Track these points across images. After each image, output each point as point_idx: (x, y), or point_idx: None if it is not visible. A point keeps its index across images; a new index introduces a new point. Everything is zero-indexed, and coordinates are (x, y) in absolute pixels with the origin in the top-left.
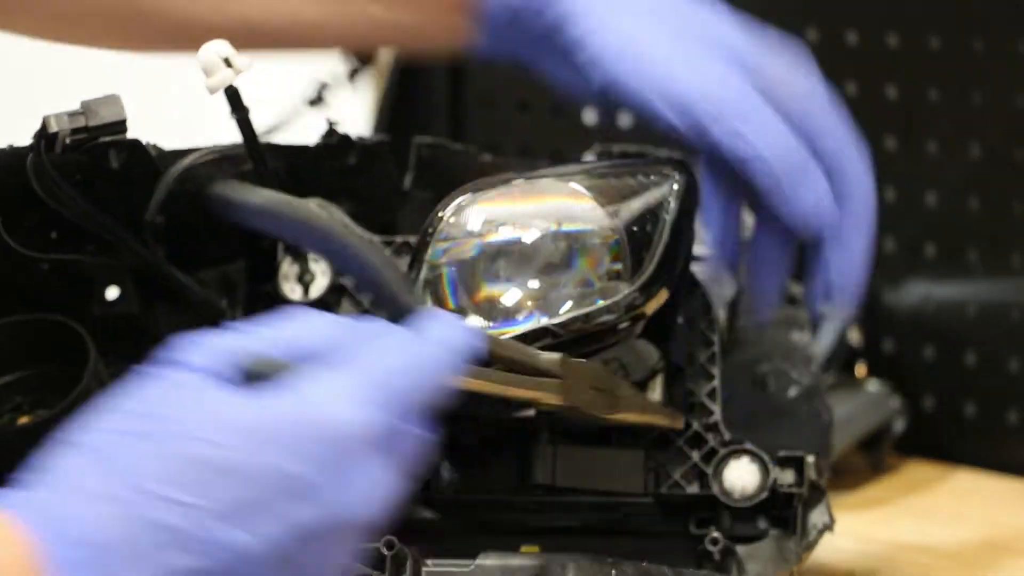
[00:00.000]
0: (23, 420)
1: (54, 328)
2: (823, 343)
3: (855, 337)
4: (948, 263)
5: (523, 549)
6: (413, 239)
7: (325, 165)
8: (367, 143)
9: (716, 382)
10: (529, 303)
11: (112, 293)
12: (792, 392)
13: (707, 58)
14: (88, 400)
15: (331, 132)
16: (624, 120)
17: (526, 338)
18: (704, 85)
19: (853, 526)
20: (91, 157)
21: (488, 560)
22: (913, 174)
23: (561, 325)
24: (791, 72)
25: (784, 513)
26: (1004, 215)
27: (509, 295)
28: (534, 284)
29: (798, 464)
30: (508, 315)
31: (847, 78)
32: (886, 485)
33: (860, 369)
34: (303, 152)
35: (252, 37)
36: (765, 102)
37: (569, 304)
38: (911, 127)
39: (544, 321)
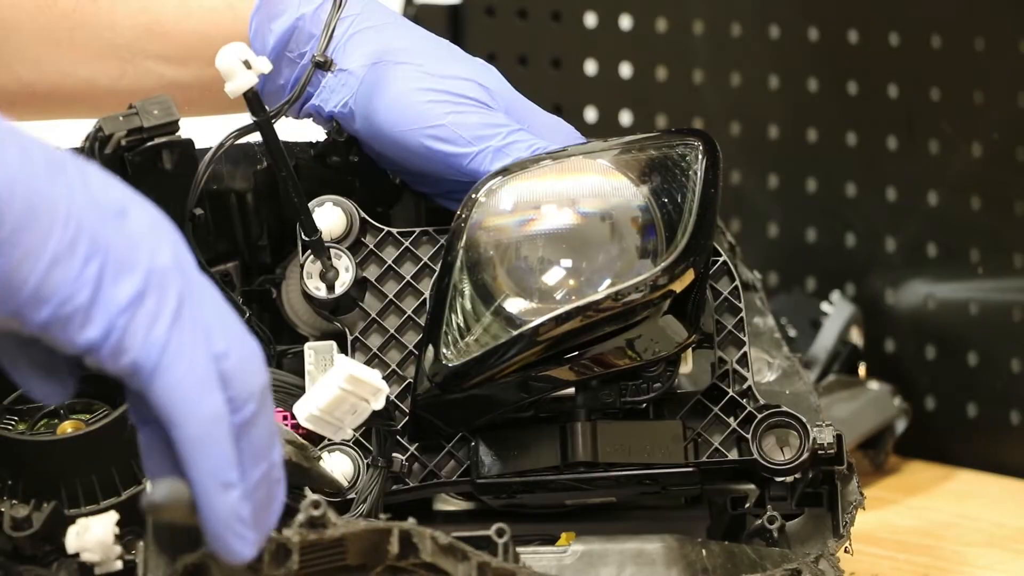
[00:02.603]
0: (66, 428)
1: None
2: (824, 343)
3: (856, 337)
4: (950, 263)
5: (563, 536)
6: (432, 229)
7: (330, 162)
8: None
9: (746, 348)
10: (570, 282)
11: None
12: (770, 376)
13: None
14: None
15: (339, 129)
16: (624, 118)
17: (561, 320)
18: None
19: (854, 527)
20: (144, 158)
21: (579, 546)
22: (915, 174)
23: (595, 304)
24: None
25: (819, 491)
26: (1006, 215)
27: (548, 276)
28: (569, 263)
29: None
30: (546, 296)
31: (848, 77)
32: (887, 485)
33: (861, 369)
34: (309, 149)
35: (33, 101)
36: None
37: (607, 282)
38: (913, 127)
39: (581, 301)
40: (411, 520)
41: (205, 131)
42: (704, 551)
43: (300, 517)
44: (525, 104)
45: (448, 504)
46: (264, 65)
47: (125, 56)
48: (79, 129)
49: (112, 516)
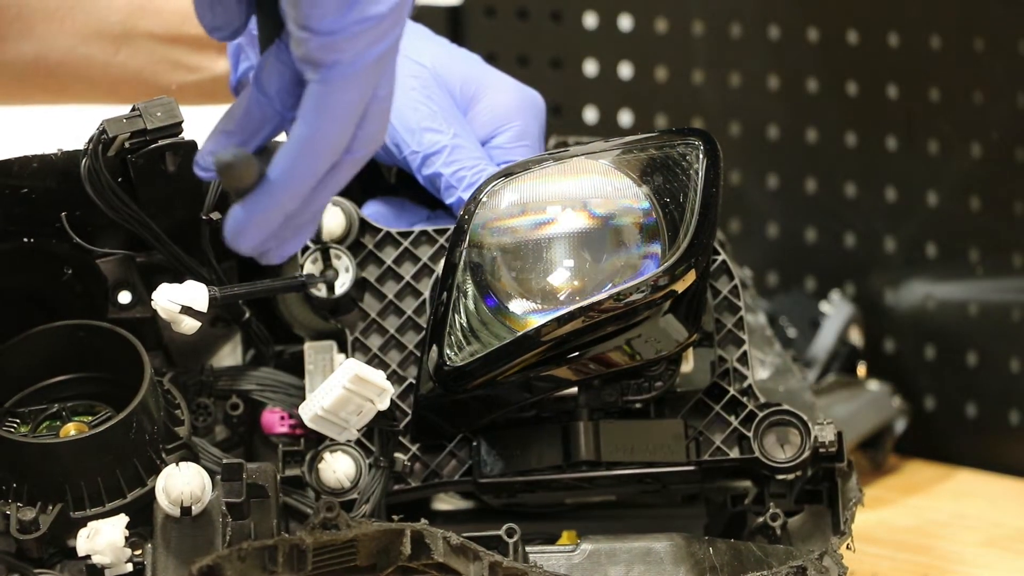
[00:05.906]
0: (68, 430)
1: (90, 335)
2: (824, 343)
3: (856, 337)
4: (949, 263)
5: (564, 535)
6: (432, 229)
7: None
8: None
9: (746, 347)
10: (573, 283)
11: (125, 297)
12: (763, 374)
13: None
14: (146, 409)
15: None
16: (624, 118)
17: (563, 320)
18: None
19: (853, 526)
20: (147, 160)
21: (589, 545)
22: (914, 174)
23: (597, 304)
24: None
25: (819, 488)
26: (1005, 215)
27: (551, 277)
28: (571, 264)
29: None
30: (549, 296)
31: (848, 78)
32: (886, 485)
33: (861, 369)
34: None
35: (35, 78)
36: None
37: (609, 283)
38: (912, 127)
39: (583, 302)
40: (423, 521)
41: (206, 126)
42: (711, 549)
43: (313, 519)
44: (482, 78)
45: (446, 503)
46: (201, 306)
47: (119, 32)
48: (77, 119)
49: (122, 519)
